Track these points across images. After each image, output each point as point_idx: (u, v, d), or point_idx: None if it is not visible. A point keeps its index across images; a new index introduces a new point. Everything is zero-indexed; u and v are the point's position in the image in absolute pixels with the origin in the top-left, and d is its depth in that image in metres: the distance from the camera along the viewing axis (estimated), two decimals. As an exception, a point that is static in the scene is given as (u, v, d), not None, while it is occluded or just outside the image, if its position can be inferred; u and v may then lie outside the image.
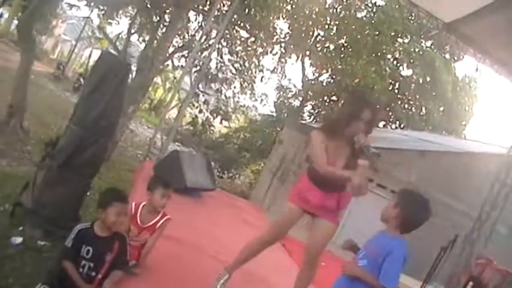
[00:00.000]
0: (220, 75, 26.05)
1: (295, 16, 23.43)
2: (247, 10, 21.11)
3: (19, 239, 6.53)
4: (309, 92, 26.45)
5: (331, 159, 4.54)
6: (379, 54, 23.47)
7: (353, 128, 4.42)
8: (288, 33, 24.49)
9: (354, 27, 22.93)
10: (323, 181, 4.57)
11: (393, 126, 25.62)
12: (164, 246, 5.11)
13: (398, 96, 25.42)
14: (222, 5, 18.76)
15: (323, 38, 24.47)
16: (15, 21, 30.77)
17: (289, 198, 4.85)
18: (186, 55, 23.53)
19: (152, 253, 4.76)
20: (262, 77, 27.08)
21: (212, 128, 28.07)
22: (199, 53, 14.30)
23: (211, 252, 5.98)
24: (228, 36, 23.76)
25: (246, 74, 26.63)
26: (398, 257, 3.49)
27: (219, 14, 15.98)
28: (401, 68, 25.11)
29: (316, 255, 4.82)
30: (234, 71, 26.50)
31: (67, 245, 4.37)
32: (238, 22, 22.95)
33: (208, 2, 20.56)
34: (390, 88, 24.70)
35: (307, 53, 24.69)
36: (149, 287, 4.61)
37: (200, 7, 20.84)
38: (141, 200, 4.89)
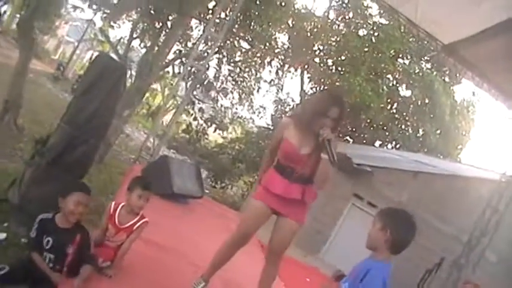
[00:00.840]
0: (217, 84, 26.11)
1: (296, 30, 23.49)
2: (248, 21, 21.18)
3: (3, 235, 6.48)
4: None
5: (297, 146, 4.62)
6: (378, 73, 23.52)
7: (319, 124, 4.49)
8: (288, 46, 24.54)
9: (354, 44, 22.98)
10: (288, 171, 4.66)
11: (389, 146, 25.63)
12: (143, 249, 5.09)
13: (396, 116, 25.43)
14: (224, 14, 18.82)
15: (322, 53, 24.55)
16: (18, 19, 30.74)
17: (254, 195, 4.86)
18: (185, 62, 23.60)
19: (130, 255, 4.72)
20: (259, 88, 27.15)
21: (206, 136, 28.03)
22: (198, 61, 14.31)
23: (191, 260, 5.93)
24: (228, 46, 23.82)
25: (244, 85, 26.71)
26: (376, 278, 3.38)
27: (220, 23, 15.97)
28: (400, 88, 25.15)
29: (280, 252, 4.84)
30: (232, 81, 26.59)
31: (31, 236, 4.34)
32: (240, 33, 23.03)
33: (211, 11, 20.60)
34: (388, 108, 24.73)
35: (306, 66, 24.75)
36: (121, 289, 4.55)
37: (202, 15, 20.90)
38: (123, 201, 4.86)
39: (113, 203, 4.82)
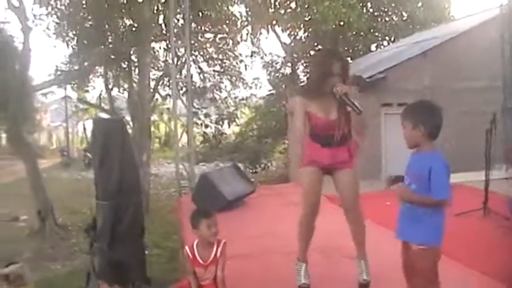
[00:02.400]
0: (207, 84, 26.20)
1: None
2: (201, 14, 21.11)
3: (103, 328, 6.56)
4: (294, 55, 26.46)
5: (324, 116, 4.65)
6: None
7: (330, 84, 4.50)
8: (247, 12, 24.36)
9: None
10: (328, 140, 4.69)
11: (385, 44, 25.48)
12: (235, 267, 5.08)
13: (375, 14, 25.29)
14: (176, 20, 18.72)
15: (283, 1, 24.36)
16: (3, 135, 30.79)
17: (302, 164, 4.87)
18: (168, 82, 23.78)
19: (228, 279, 4.68)
20: (246, 66, 27.22)
21: (224, 135, 28.19)
22: (179, 75, 14.24)
23: (281, 251, 5.94)
24: (195, 45, 23.76)
25: (229, 70, 26.71)
26: (441, 168, 3.47)
27: (178, 31, 15.93)
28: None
29: (353, 204, 4.84)
30: (217, 74, 26.66)
31: None
32: (200, 28, 22.97)
33: (164, 25, 20.52)
34: (364, 11, 24.54)
35: (274, 22, 24.61)
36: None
37: (158, 33, 20.83)
38: (195, 237, 4.85)
39: (186, 247, 4.79)
